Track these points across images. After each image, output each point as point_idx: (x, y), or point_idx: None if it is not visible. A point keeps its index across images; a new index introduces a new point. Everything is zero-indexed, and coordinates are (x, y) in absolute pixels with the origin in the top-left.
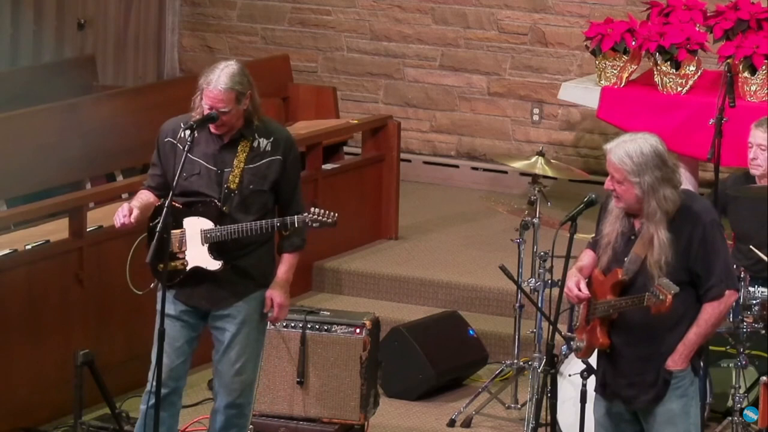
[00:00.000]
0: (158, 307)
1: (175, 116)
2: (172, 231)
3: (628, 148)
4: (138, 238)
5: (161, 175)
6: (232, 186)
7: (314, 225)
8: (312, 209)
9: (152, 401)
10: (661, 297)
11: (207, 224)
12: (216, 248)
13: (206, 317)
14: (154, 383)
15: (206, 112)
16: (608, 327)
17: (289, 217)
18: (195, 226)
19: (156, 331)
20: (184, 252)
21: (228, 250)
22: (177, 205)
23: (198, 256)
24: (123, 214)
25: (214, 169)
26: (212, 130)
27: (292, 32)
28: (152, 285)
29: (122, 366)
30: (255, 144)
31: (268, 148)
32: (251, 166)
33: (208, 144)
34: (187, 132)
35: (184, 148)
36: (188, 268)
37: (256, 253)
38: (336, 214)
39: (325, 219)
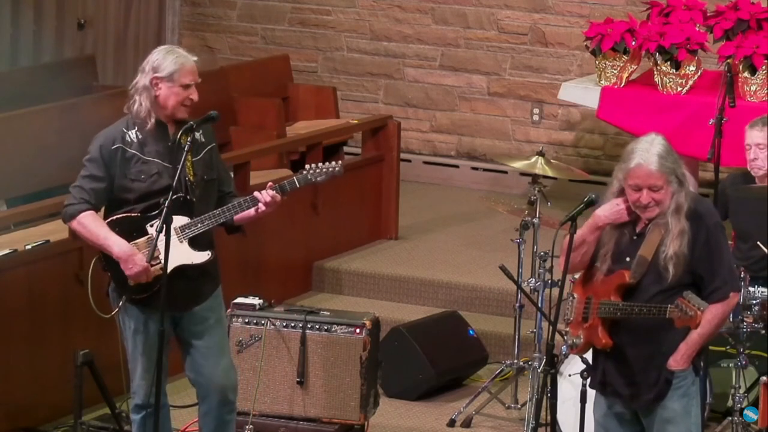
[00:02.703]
0: (131, 325)
1: None
2: (136, 241)
3: (657, 152)
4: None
5: (105, 188)
6: (191, 178)
7: (318, 179)
8: (307, 166)
9: (143, 413)
10: (690, 313)
11: (181, 220)
12: (196, 241)
13: (175, 326)
14: (142, 395)
15: (182, 93)
16: (609, 326)
17: (287, 180)
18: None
19: (130, 341)
20: (157, 257)
21: (204, 240)
22: (132, 215)
23: (179, 255)
24: (143, 270)
25: (171, 166)
26: (182, 114)
27: (292, 32)
28: (120, 303)
29: (122, 366)
30: (192, 138)
31: (202, 139)
32: (198, 158)
33: (157, 143)
34: (188, 132)
35: (185, 148)
36: (168, 271)
37: (213, 249)
38: (340, 162)
39: (330, 170)
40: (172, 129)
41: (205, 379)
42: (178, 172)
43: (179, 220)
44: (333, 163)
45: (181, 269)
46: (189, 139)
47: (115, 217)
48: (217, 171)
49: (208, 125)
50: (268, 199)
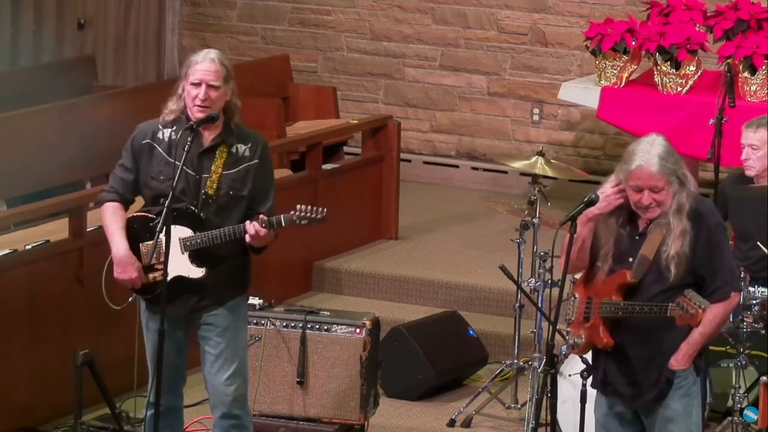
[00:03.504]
0: (144, 322)
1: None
2: (146, 243)
3: (658, 153)
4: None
5: (133, 180)
6: (209, 192)
7: (302, 222)
8: (298, 206)
9: (151, 411)
10: (691, 311)
11: (185, 232)
12: (197, 255)
13: (188, 327)
14: (152, 393)
15: (193, 92)
16: (611, 326)
17: (275, 217)
18: (175, 234)
19: (147, 334)
20: (162, 263)
21: (209, 256)
22: (150, 215)
23: (179, 265)
24: (129, 280)
25: (193, 174)
26: (197, 113)
27: (292, 32)
28: (130, 299)
29: (122, 366)
30: (233, 149)
31: (246, 153)
32: (230, 171)
33: (189, 147)
34: (187, 132)
35: (185, 148)
36: (169, 278)
37: (236, 260)
38: (324, 210)
39: (313, 215)
40: (206, 135)
41: (210, 387)
42: (177, 174)
43: (183, 231)
44: (319, 209)
45: (182, 278)
46: (189, 140)
47: (135, 215)
48: (252, 188)
49: (261, 141)
50: (252, 231)
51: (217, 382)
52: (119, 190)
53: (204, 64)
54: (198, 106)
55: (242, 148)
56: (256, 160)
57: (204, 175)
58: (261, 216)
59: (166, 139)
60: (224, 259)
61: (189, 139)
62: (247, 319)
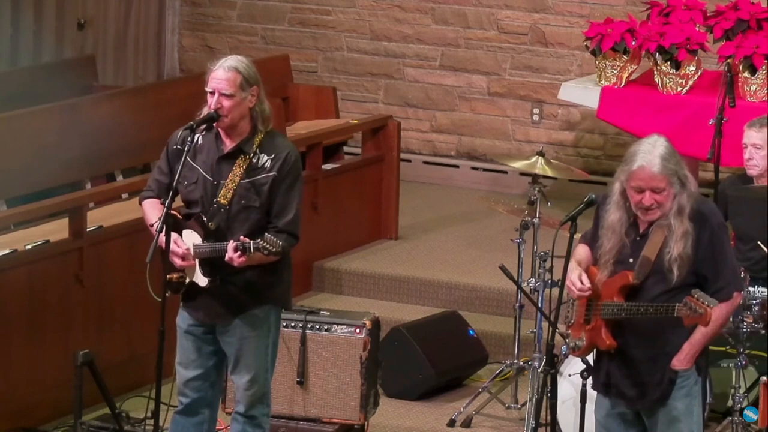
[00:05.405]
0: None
1: (177, 119)
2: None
3: (660, 154)
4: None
5: (169, 183)
6: (222, 201)
7: (264, 252)
8: (266, 235)
9: (179, 408)
10: (699, 311)
11: (197, 239)
12: (206, 264)
13: (215, 331)
14: (179, 396)
15: (209, 100)
16: (613, 327)
17: (247, 242)
18: (189, 240)
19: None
20: (182, 269)
21: (219, 266)
22: (177, 215)
23: (192, 270)
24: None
25: (211, 179)
26: (218, 126)
27: (292, 32)
28: (168, 293)
29: (122, 366)
30: (255, 159)
31: (267, 164)
32: (246, 180)
33: (210, 152)
34: (187, 133)
35: (185, 150)
36: (187, 281)
37: (255, 269)
38: (280, 243)
39: (272, 248)
40: (227, 143)
41: (234, 387)
42: (176, 176)
43: (195, 238)
44: (279, 243)
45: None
46: (189, 140)
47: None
48: (269, 201)
49: (285, 153)
50: (227, 254)
51: (237, 384)
52: (155, 191)
53: (217, 72)
54: (217, 113)
55: (264, 159)
56: (275, 173)
57: (222, 182)
58: (242, 238)
59: (193, 144)
60: (237, 271)
61: (189, 140)
62: (271, 328)
